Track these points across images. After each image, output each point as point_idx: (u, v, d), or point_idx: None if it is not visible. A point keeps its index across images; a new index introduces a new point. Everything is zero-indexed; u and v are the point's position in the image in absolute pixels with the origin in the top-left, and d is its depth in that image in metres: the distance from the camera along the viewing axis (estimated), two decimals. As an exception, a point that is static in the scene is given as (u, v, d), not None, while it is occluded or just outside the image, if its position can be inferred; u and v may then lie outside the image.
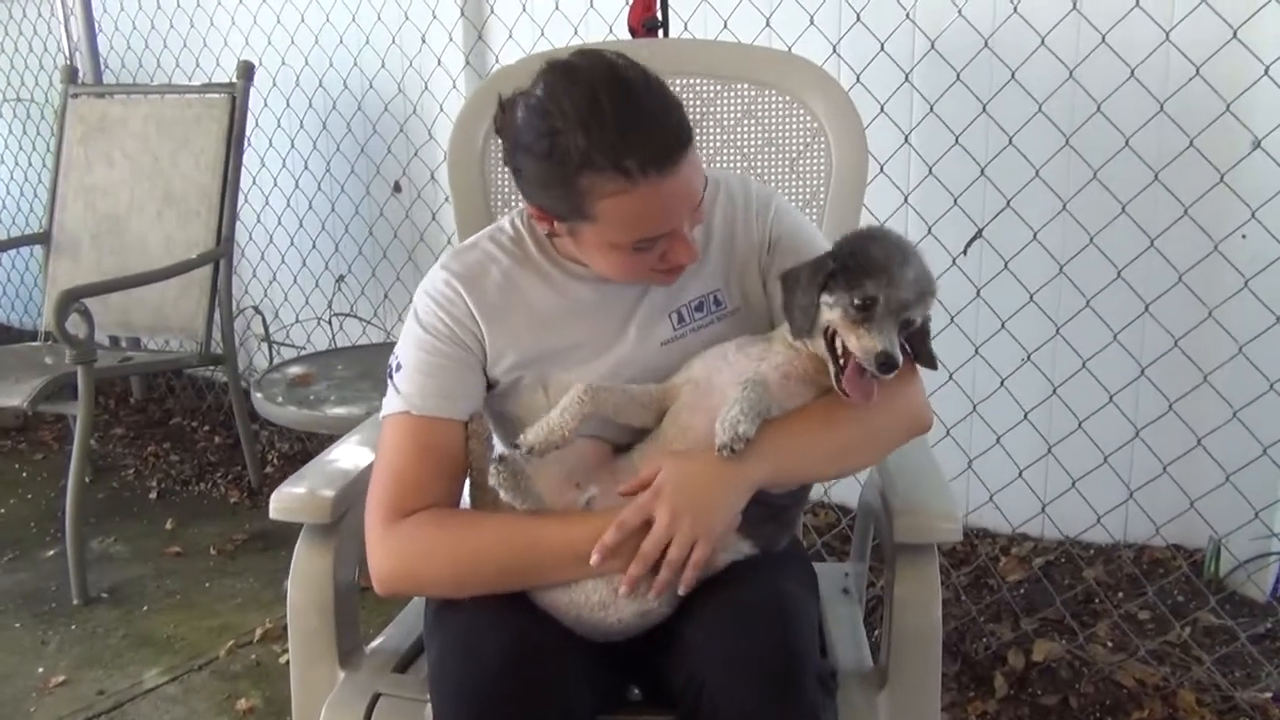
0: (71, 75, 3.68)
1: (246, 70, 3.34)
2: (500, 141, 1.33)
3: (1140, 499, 2.48)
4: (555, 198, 1.26)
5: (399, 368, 1.39)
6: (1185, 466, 2.35)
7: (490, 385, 1.42)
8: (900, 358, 1.23)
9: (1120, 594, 2.55)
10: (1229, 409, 2.25)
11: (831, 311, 1.27)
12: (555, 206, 1.28)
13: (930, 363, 1.37)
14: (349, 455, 1.59)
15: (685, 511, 1.22)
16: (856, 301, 1.24)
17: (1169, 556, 2.63)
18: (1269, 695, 2.20)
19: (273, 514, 1.47)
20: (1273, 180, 2.12)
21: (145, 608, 2.80)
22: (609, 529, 1.23)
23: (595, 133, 1.19)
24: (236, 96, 3.32)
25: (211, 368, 3.64)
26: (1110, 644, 2.39)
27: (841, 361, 1.27)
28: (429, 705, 1.24)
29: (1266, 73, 2.09)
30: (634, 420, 1.36)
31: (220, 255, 3.31)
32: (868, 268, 1.25)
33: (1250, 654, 2.29)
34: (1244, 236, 2.26)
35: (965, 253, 2.49)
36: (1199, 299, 2.29)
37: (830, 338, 1.28)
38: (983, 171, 2.41)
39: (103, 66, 4.08)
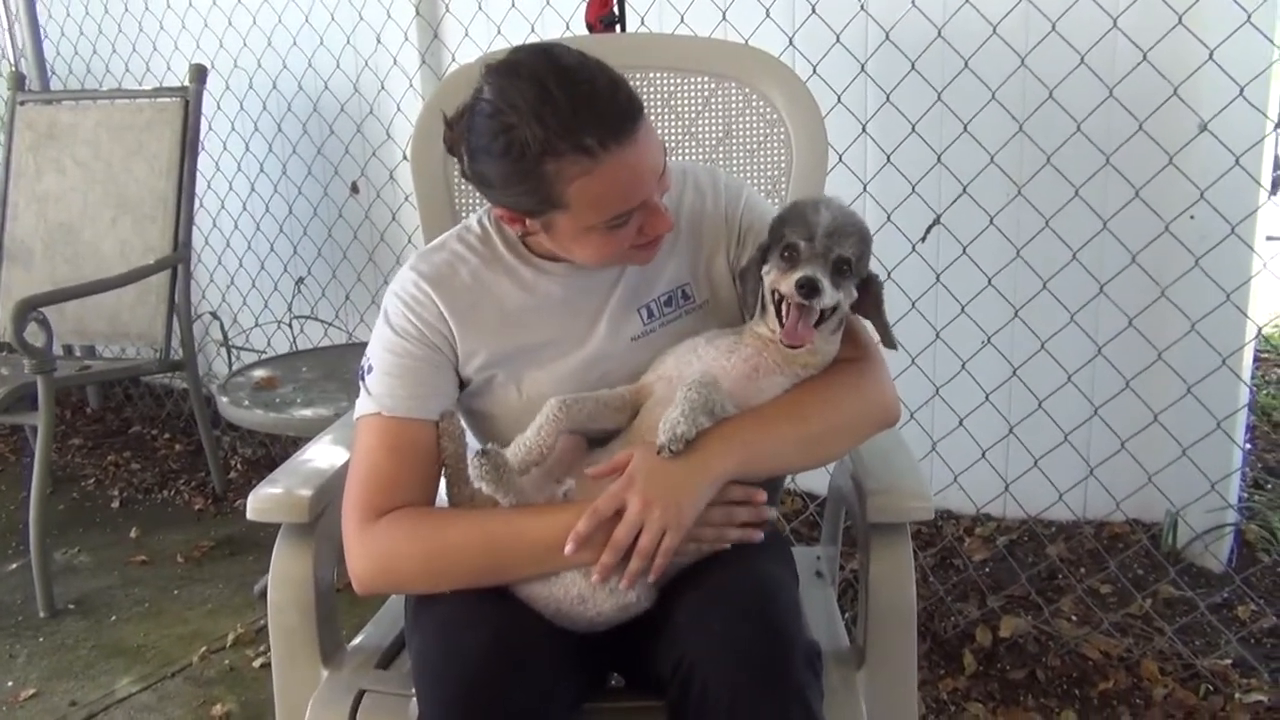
0: (18, 82, 3.63)
1: (199, 73, 3.31)
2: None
3: (1100, 475, 2.54)
4: (523, 193, 1.26)
5: (370, 369, 1.40)
6: (1142, 442, 2.41)
7: (463, 384, 1.43)
8: (825, 287, 1.27)
9: (1083, 569, 2.60)
10: (1183, 385, 2.31)
11: (768, 275, 1.32)
12: (524, 202, 1.28)
13: (889, 340, 1.40)
14: (323, 455, 1.60)
15: (656, 500, 1.24)
16: (784, 254, 1.30)
17: (1129, 531, 2.69)
18: (1229, 662, 2.26)
19: (250, 515, 1.47)
20: (1219, 161, 2.17)
21: (114, 617, 2.78)
22: (582, 518, 1.24)
23: (550, 119, 1.19)
24: (189, 100, 3.29)
25: (170, 375, 3.61)
26: (1074, 618, 2.44)
27: (783, 315, 1.31)
28: (414, 700, 1.25)
29: (1211, 56, 2.14)
30: (609, 423, 1.38)
31: (177, 261, 3.28)
32: (787, 220, 1.32)
33: (1210, 623, 2.35)
34: (1192, 217, 2.31)
35: (924, 239, 2.53)
36: (1152, 278, 2.35)
37: (776, 302, 1.32)
38: (939, 159, 2.45)
39: (50, 73, 4.02)
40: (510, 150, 1.22)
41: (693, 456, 1.26)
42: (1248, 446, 2.82)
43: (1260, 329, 2.52)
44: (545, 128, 1.19)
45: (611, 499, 1.25)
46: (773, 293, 1.32)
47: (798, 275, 1.27)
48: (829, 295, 1.28)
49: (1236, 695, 2.17)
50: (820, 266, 1.28)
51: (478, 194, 1.84)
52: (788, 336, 1.29)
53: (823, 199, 1.35)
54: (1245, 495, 2.73)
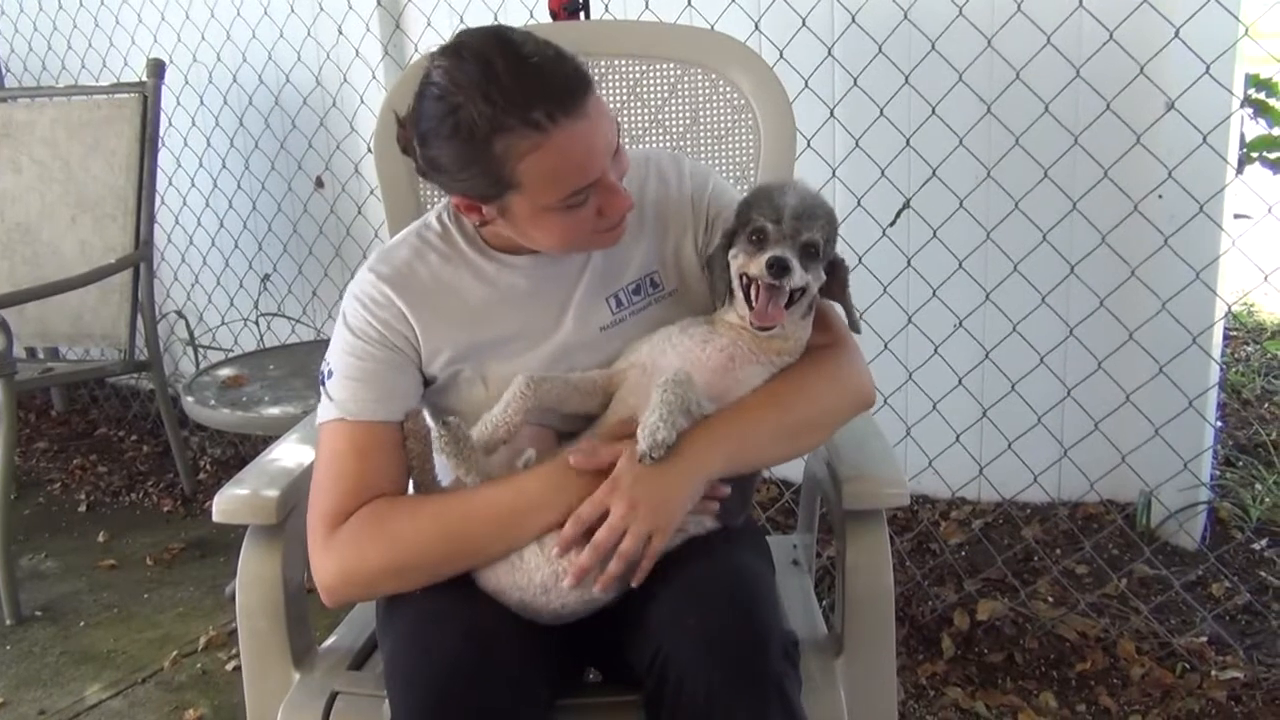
0: (-28, 80, 3.56)
1: (157, 68, 3.25)
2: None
3: (1073, 456, 2.54)
4: (475, 175, 1.23)
5: (331, 374, 1.36)
6: (1115, 422, 2.41)
7: (428, 381, 1.40)
8: (794, 266, 1.26)
9: (1058, 551, 2.61)
10: (1155, 364, 2.31)
11: (736, 260, 1.31)
12: (477, 186, 1.25)
13: (854, 323, 1.40)
14: (290, 454, 1.57)
15: (642, 503, 1.22)
16: (752, 237, 1.29)
17: (1103, 511, 2.70)
18: (1204, 639, 2.27)
19: (216, 517, 1.44)
20: (1187, 140, 2.17)
21: (82, 623, 2.73)
22: (568, 522, 1.23)
23: (496, 96, 1.17)
24: (148, 96, 3.24)
25: (136, 375, 3.56)
26: (1051, 599, 2.44)
27: (751, 299, 1.30)
28: (387, 701, 1.23)
29: (1177, 35, 2.14)
30: (579, 408, 1.36)
31: (139, 259, 3.23)
32: (754, 204, 1.31)
33: (1185, 601, 2.36)
34: (1160, 196, 2.31)
35: (894, 223, 2.52)
36: (1122, 258, 2.35)
37: (745, 286, 1.31)
38: (908, 142, 2.44)
39: (4, 70, 3.95)
40: (459, 131, 1.20)
41: (679, 457, 1.25)
42: (1219, 424, 2.83)
43: (1230, 307, 2.53)
44: (492, 104, 1.17)
45: (595, 504, 1.23)
46: (740, 276, 1.31)
47: (766, 256, 1.26)
48: (798, 276, 1.27)
49: (1213, 672, 2.19)
50: (789, 248, 1.27)
51: (441, 185, 1.83)
52: (758, 318, 1.28)
53: (789, 182, 1.34)
54: (1217, 473, 2.75)
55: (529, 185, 1.23)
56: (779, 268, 1.25)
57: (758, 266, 1.26)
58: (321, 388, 1.37)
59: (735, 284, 1.32)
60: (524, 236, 1.33)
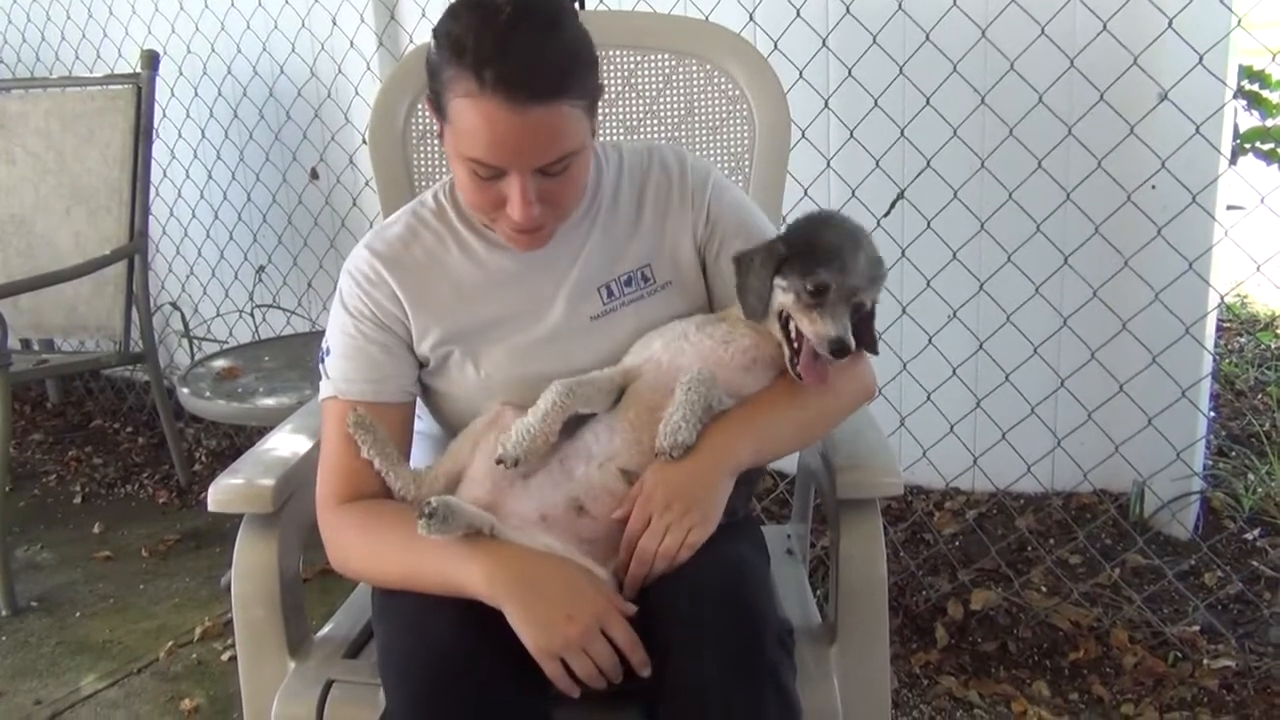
0: (-35, 71, 3.55)
1: (151, 59, 3.25)
2: (421, 118, 1.33)
3: (1067, 446, 2.55)
4: (432, 83, 1.28)
5: (328, 352, 1.40)
6: (1108, 412, 2.42)
7: (422, 364, 1.42)
8: (853, 344, 1.27)
9: (1052, 541, 2.61)
10: (1148, 354, 2.32)
11: (785, 296, 1.30)
12: (430, 91, 1.29)
13: (872, 346, 1.41)
14: (285, 443, 1.57)
15: (677, 501, 1.25)
16: (810, 287, 1.27)
17: (1096, 501, 2.71)
18: (1196, 628, 2.28)
19: (211, 506, 1.44)
20: (1180, 131, 2.18)
21: (78, 614, 2.73)
22: (633, 562, 1.25)
23: (479, 35, 1.20)
24: (142, 87, 3.23)
25: (131, 367, 3.55)
26: (1044, 589, 2.45)
27: (796, 345, 1.30)
28: (382, 689, 1.23)
29: (1170, 25, 2.14)
30: (598, 407, 1.36)
31: (134, 251, 3.22)
32: (821, 254, 1.29)
33: (1177, 590, 2.37)
34: (1154, 187, 2.32)
35: (888, 214, 2.52)
36: (1115, 249, 2.36)
37: (784, 321, 1.31)
38: (902, 133, 2.44)
39: (-3, 61, 3.94)
40: (443, 40, 1.24)
41: (707, 452, 1.27)
42: (1212, 415, 2.84)
43: (1223, 297, 2.54)
44: (472, 39, 1.21)
45: (640, 519, 1.26)
46: (782, 313, 1.31)
47: (832, 334, 1.26)
48: (852, 344, 1.28)
49: (1205, 661, 2.20)
50: (845, 309, 1.28)
51: (436, 173, 1.83)
52: (808, 377, 1.30)
53: (856, 232, 1.33)
54: (1210, 463, 2.76)
55: (452, 123, 1.25)
56: (843, 352, 1.26)
57: (818, 337, 1.27)
58: (321, 365, 1.41)
59: (772, 309, 1.32)
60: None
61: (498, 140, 1.23)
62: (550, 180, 1.28)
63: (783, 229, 1.41)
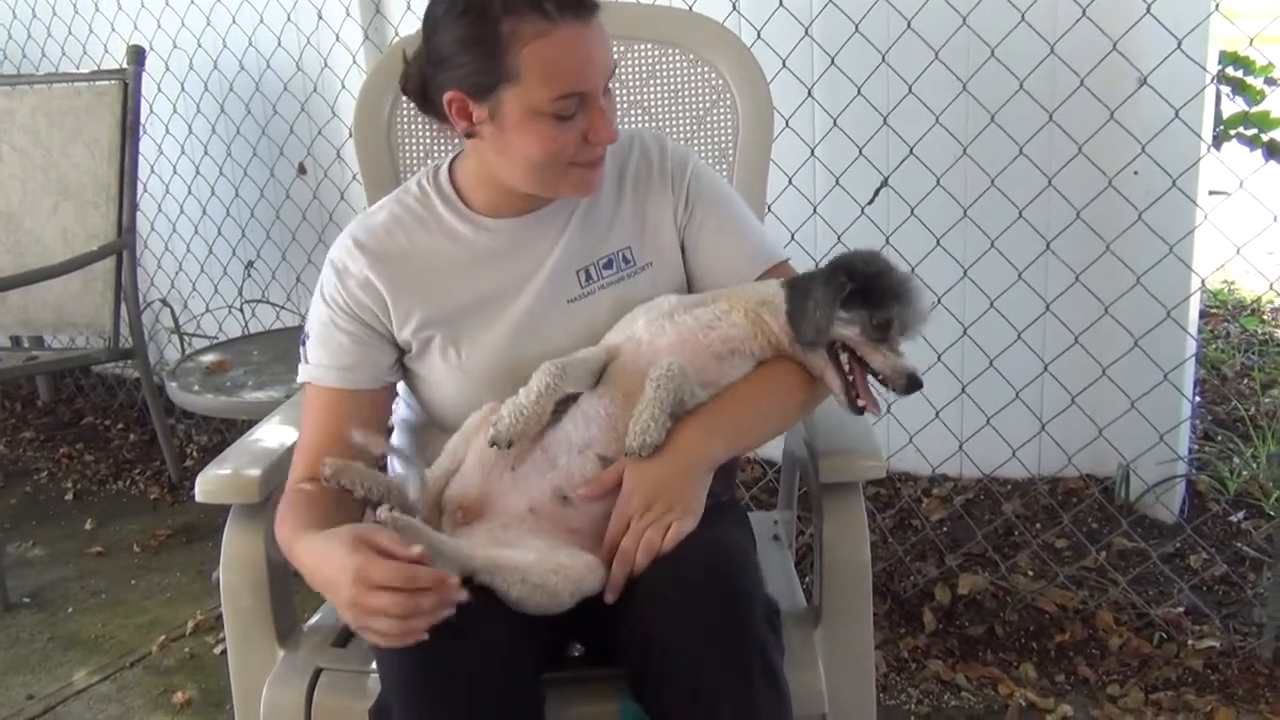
0: (-49, 69, 3.55)
1: (137, 55, 3.24)
2: (406, 110, 1.33)
3: (1052, 431, 2.57)
4: (477, 59, 1.25)
5: (308, 337, 1.44)
6: (1092, 397, 2.44)
7: (404, 351, 1.43)
8: (923, 380, 1.32)
9: (1038, 525, 2.63)
10: (1130, 338, 2.33)
11: (848, 328, 1.32)
12: (476, 74, 1.27)
13: None
14: (272, 434, 1.58)
15: (659, 499, 1.27)
16: (877, 321, 1.31)
17: (1082, 486, 2.73)
18: (1181, 610, 2.30)
19: (199, 497, 1.45)
20: (1160, 115, 2.19)
21: (70, 609, 2.74)
22: (614, 566, 1.26)
23: None
24: (128, 82, 3.23)
25: (121, 363, 3.55)
26: (1031, 573, 2.47)
27: (850, 376, 1.34)
28: (371, 676, 1.25)
29: (1149, 10, 2.15)
30: (582, 386, 1.37)
31: (122, 247, 3.22)
32: (891, 291, 1.33)
33: (1162, 573, 2.39)
34: (1135, 172, 2.33)
35: (872, 201, 2.53)
36: (1096, 234, 2.37)
37: (835, 352, 1.34)
38: (885, 121, 2.45)
39: (-18, 58, 3.93)
40: (471, 8, 1.24)
41: (682, 451, 1.29)
42: (1197, 399, 2.86)
43: (1204, 280, 2.56)
44: None
45: (620, 520, 1.27)
46: (840, 345, 1.34)
47: (908, 368, 1.32)
48: None
49: (1190, 642, 2.22)
50: (900, 344, 1.34)
51: (422, 165, 1.84)
52: (869, 406, 1.35)
53: (912, 279, 1.36)
54: (1196, 448, 2.78)
55: (526, 77, 1.24)
56: (915, 386, 1.32)
57: (894, 370, 1.32)
58: (301, 349, 1.44)
59: (822, 331, 1.33)
60: (505, 153, 1.33)
61: (584, 60, 1.26)
62: (606, 101, 1.31)
63: (824, 262, 1.40)
